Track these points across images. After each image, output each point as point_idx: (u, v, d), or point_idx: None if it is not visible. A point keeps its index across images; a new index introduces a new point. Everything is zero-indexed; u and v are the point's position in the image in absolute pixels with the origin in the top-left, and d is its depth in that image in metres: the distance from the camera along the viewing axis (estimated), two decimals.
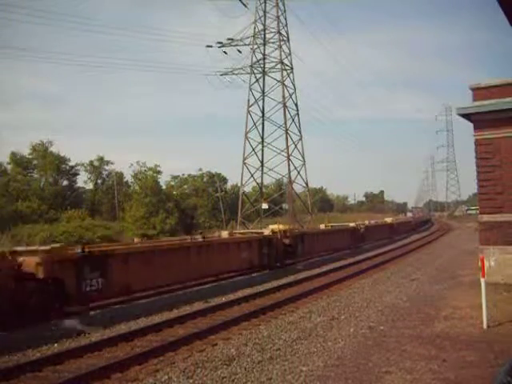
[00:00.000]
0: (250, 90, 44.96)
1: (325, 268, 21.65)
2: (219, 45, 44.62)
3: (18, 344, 9.39)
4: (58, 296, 10.96)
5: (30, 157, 57.83)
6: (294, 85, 45.63)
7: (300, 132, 45.58)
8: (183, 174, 71.15)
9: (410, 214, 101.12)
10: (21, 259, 10.70)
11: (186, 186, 70.52)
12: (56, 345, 9.64)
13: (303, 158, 45.21)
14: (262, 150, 45.56)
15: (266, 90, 45.47)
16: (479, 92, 15.10)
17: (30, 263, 10.66)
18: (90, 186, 64.24)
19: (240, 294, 15.13)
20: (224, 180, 71.75)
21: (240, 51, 45.09)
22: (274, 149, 44.87)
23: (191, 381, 7.25)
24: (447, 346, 8.48)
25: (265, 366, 7.78)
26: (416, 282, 16.22)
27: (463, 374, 7.01)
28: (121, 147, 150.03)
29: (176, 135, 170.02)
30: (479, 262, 10.69)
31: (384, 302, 12.96)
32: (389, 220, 47.22)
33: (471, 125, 15.36)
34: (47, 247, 11.56)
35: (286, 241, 22.07)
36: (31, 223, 41.23)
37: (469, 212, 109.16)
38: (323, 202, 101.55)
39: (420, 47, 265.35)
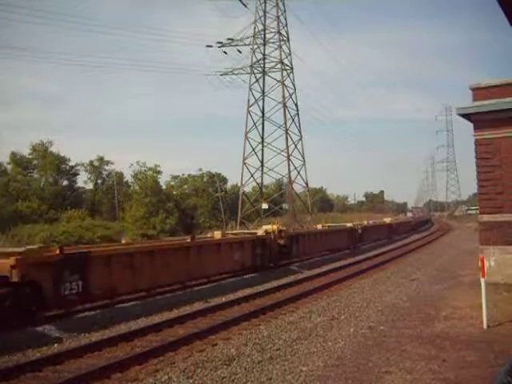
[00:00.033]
0: (250, 89, 44.98)
1: (325, 268, 21.66)
2: (219, 45, 44.63)
3: (18, 344, 9.38)
4: (34, 300, 10.57)
5: (30, 157, 57.78)
6: (293, 85, 45.67)
7: (300, 132, 45.61)
8: (183, 174, 71.24)
9: (409, 214, 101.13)
10: None
11: (185, 186, 70.50)
12: (56, 345, 9.64)
13: (303, 158, 45.23)
14: (262, 150, 45.58)
15: (266, 90, 45.50)
16: (479, 92, 15.10)
17: (3, 266, 10.23)
18: (90, 185, 64.26)
19: (240, 293, 15.14)
20: (224, 180, 71.79)
21: (240, 51, 45.12)
22: (274, 149, 44.90)
23: (191, 381, 7.25)
24: (447, 345, 8.48)
25: (265, 366, 7.78)
26: (416, 282, 16.22)
27: (463, 374, 7.01)
28: (121, 147, 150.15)
29: (176, 135, 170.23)
30: (479, 261, 10.69)
31: (384, 301, 12.96)
32: (387, 220, 46.96)
33: (471, 125, 15.36)
34: (22, 249, 11.19)
35: (281, 241, 21.86)
36: (31, 223, 41.17)
37: (469, 212, 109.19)
38: (323, 202, 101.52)
39: (420, 47, 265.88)
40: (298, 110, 45.57)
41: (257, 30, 45.22)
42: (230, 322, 10.98)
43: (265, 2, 45.40)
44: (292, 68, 45.67)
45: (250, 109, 44.77)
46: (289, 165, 43.82)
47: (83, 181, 64.19)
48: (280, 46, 45.04)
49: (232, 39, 44.56)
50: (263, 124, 45.54)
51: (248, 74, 45.34)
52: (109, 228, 41.97)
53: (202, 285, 16.98)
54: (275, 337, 9.61)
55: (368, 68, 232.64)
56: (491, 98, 14.66)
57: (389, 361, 7.77)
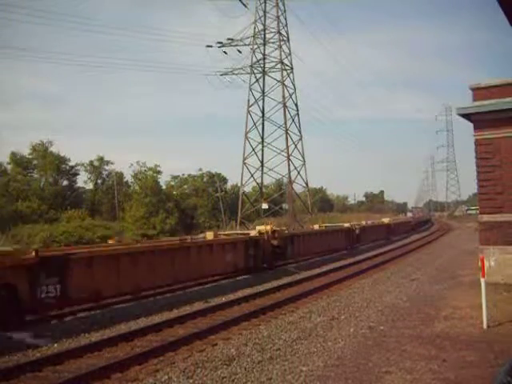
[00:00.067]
0: (250, 90, 45.07)
1: (325, 268, 21.65)
2: (219, 45, 44.75)
3: (18, 344, 9.38)
4: (10, 303, 10.31)
5: (30, 157, 57.85)
6: (293, 85, 45.78)
7: (300, 132, 45.71)
8: (183, 174, 71.33)
9: (409, 214, 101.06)
10: None
11: (185, 186, 70.56)
12: (56, 345, 9.64)
13: (303, 158, 45.33)
14: (262, 150, 45.69)
15: (266, 90, 45.61)
16: (479, 92, 15.10)
17: None
18: (89, 186, 64.32)
19: (240, 293, 15.14)
20: (224, 180, 71.84)
21: (240, 51, 45.24)
22: (274, 149, 45.01)
23: (191, 381, 7.25)
24: (447, 345, 8.48)
25: (265, 366, 7.77)
26: (416, 282, 16.22)
27: (463, 374, 7.01)
28: (121, 147, 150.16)
29: (176, 135, 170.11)
30: (479, 261, 10.70)
31: (384, 301, 12.96)
32: (386, 220, 46.54)
33: (471, 125, 15.36)
34: None
35: (275, 242, 21.59)
36: (31, 223, 41.19)
37: (469, 212, 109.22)
38: (323, 202, 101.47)
39: (420, 47, 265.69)
40: (297, 110, 45.71)
41: (257, 30, 45.39)
42: (229, 321, 10.98)
43: (265, 2, 45.50)
44: (292, 68, 45.78)
45: (250, 109, 44.88)
46: (289, 165, 43.95)
47: (83, 181, 64.40)
48: (280, 46, 45.12)
49: (232, 39, 44.66)
50: (263, 124, 45.67)
51: (248, 74, 45.48)
52: (109, 228, 41.95)
53: (201, 285, 17.00)
54: (275, 337, 9.61)
55: (368, 68, 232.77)
56: (491, 98, 14.66)
57: (389, 361, 7.77)
